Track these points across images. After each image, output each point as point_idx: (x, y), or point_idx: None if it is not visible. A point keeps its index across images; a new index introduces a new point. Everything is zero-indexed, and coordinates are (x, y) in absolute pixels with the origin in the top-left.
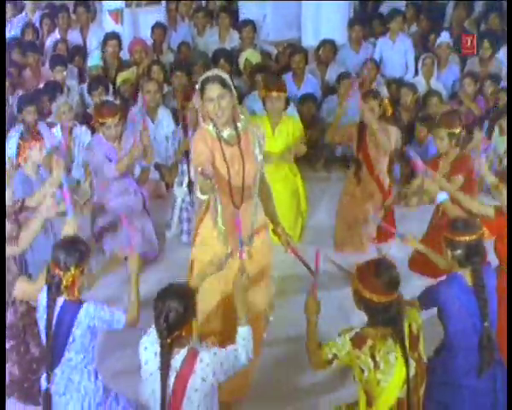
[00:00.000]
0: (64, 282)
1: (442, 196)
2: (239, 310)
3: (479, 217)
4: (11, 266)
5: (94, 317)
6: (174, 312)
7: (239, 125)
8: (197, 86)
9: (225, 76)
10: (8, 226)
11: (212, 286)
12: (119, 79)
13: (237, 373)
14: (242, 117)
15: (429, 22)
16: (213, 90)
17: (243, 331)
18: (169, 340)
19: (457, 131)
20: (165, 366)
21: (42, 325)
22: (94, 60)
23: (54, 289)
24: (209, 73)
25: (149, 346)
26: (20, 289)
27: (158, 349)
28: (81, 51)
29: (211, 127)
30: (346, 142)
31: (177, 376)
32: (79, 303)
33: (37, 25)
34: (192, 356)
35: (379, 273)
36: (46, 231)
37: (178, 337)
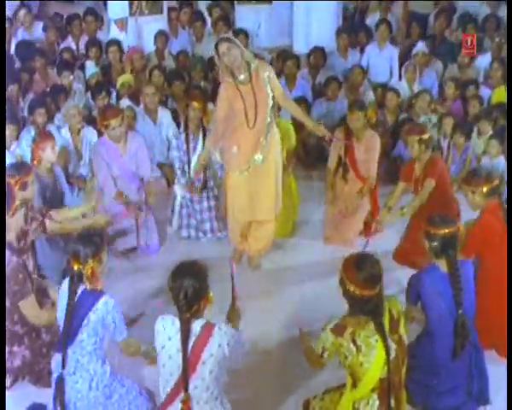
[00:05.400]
0: (85, 273)
1: None
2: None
3: None
4: (19, 272)
5: (110, 312)
6: (191, 288)
7: (252, 65)
8: (214, 51)
9: (231, 37)
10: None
11: (240, 184)
12: (118, 83)
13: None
14: (253, 60)
15: (416, 31)
16: (223, 46)
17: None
18: (188, 315)
19: (426, 136)
20: (184, 334)
21: (61, 309)
22: (90, 69)
23: (75, 280)
24: (219, 38)
25: (166, 316)
26: (24, 307)
27: (176, 320)
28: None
29: (230, 79)
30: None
31: (196, 340)
32: (100, 293)
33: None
34: (210, 325)
35: (362, 268)
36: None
37: (197, 311)
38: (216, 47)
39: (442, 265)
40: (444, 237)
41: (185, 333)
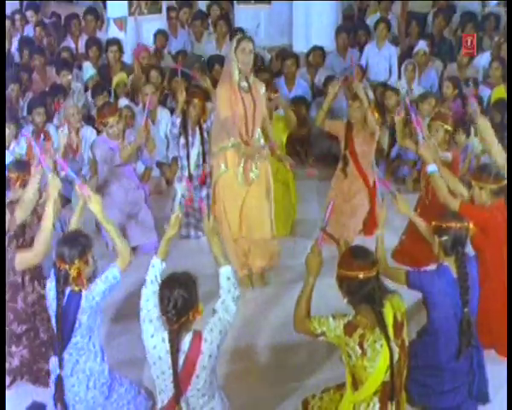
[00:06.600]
0: (71, 274)
1: (432, 168)
2: (216, 253)
3: (454, 194)
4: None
5: (93, 298)
6: (181, 299)
7: (250, 79)
8: (234, 41)
9: (253, 39)
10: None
11: (234, 198)
12: (113, 82)
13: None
14: (250, 74)
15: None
16: (248, 44)
17: (225, 271)
18: (176, 326)
19: (450, 128)
20: (174, 350)
21: (51, 313)
22: (88, 72)
23: (62, 281)
24: (245, 34)
25: (156, 333)
26: (19, 259)
27: (165, 335)
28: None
29: (237, 74)
30: (333, 132)
31: (186, 357)
32: (80, 294)
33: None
34: (198, 338)
35: (357, 254)
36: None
37: (185, 322)
38: (238, 42)
39: (451, 264)
40: (456, 231)
41: (174, 348)
